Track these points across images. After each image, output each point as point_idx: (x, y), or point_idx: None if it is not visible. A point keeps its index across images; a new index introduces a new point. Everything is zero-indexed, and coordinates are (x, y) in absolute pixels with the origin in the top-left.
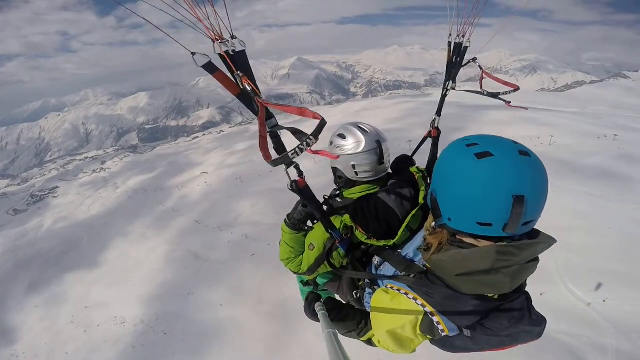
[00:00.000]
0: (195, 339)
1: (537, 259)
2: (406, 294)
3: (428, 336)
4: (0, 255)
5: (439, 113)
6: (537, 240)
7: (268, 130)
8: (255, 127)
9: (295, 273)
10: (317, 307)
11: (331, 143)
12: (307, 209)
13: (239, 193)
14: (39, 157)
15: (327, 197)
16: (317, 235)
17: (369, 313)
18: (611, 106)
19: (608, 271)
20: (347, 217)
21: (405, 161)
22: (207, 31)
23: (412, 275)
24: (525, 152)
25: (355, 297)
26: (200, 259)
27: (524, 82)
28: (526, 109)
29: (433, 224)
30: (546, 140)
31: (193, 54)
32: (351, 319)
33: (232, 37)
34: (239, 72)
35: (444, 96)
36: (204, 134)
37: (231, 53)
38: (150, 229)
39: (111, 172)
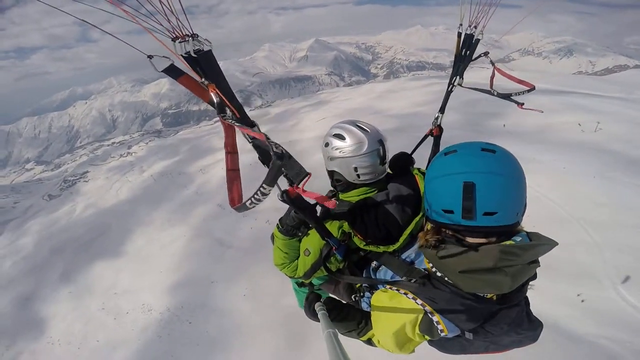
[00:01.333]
0: (219, 331)
1: (537, 262)
2: (405, 293)
3: (427, 336)
4: (36, 242)
5: (442, 110)
6: (538, 242)
7: (249, 141)
8: (275, 109)
9: (290, 277)
10: (317, 307)
11: (326, 144)
12: (300, 215)
13: (261, 177)
14: (69, 144)
15: None
16: (313, 241)
17: (369, 313)
18: None
19: None
20: (346, 223)
21: (404, 160)
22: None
23: (413, 280)
24: (489, 150)
25: (352, 300)
26: (224, 245)
27: (559, 64)
28: (541, 112)
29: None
30: (589, 127)
31: (150, 57)
32: (351, 318)
33: (192, 35)
34: (203, 80)
35: (448, 92)
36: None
37: (193, 55)
38: (175, 215)
39: (137, 156)
